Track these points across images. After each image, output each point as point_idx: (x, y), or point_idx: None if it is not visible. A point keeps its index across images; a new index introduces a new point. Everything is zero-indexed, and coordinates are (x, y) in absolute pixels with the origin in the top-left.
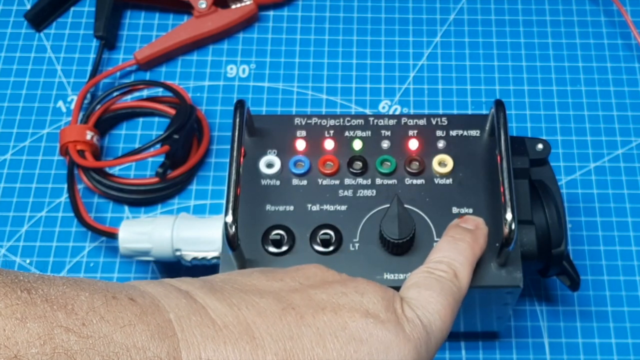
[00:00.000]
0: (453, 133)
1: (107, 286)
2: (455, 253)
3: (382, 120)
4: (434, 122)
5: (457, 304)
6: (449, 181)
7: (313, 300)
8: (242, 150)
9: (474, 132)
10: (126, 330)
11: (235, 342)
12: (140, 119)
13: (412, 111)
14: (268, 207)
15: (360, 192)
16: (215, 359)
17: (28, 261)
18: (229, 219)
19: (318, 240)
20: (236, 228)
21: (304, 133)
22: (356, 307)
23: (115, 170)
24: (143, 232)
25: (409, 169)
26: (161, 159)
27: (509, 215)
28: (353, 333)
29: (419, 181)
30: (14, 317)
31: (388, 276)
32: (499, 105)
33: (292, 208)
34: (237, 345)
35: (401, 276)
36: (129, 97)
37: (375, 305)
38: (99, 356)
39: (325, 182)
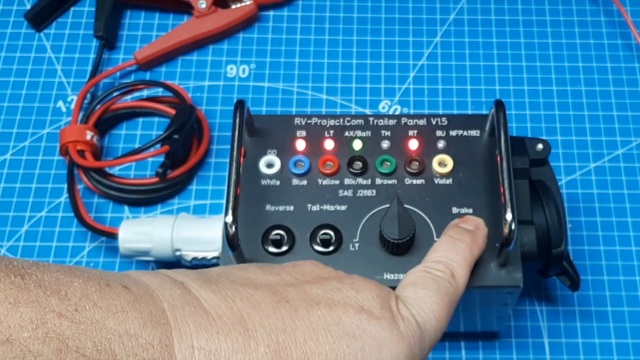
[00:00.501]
0: (453, 133)
1: (101, 274)
2: (453, 253)
3: (382, 120)
4: (434, 122)
5: (453, 305)
6: (449, 181)
7: (308, 295)
8: (242, 150)
9: (474, 132)
10: (119, 317)
11: (228, 333)
12: (140, 119)
13: (412, 111)
14: (268, 207)
15: (360, 192)
16: (208, 349)
17: None
18: (229, 219)
19: (318, 240)
20: (236, 228)
21: (304, 133)
22: (351, 303)
23: (115, 170)
24: (143, 232)
25: (409, 169)
26: (161, 159)
27: (509, 215)
28: (346, 328)
29: (419, 181)
30: (7, 301)
31: (388, 276)
32: (499, 105)
33: (292, 208)
34: (229, 336)
35: (401, 276)
36: (129, 97)
37: (370, 302)
38: (90, 342)
39: (325, 182)
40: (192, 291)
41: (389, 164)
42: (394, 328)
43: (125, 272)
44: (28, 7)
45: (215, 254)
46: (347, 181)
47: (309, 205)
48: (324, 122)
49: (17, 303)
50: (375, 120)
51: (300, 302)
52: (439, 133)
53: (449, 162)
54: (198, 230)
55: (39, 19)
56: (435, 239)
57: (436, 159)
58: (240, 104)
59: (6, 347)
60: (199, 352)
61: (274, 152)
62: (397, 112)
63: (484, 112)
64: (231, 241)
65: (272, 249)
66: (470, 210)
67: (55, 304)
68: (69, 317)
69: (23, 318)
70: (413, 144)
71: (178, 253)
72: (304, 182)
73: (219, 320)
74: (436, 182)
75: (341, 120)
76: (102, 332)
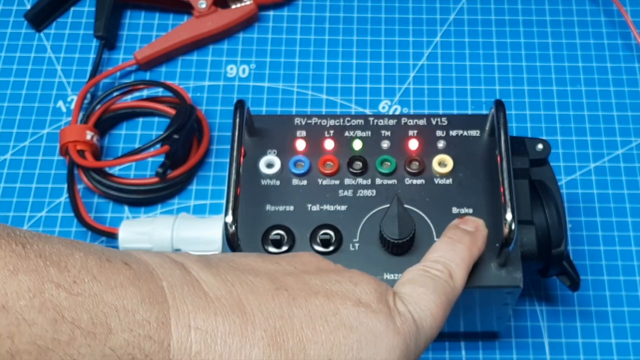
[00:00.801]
0: (453, 133)
1: (102, 249)
2: (452, 254)
3: (382, 120)
4: (434, 122)
5: (450, 304)
6: (449, 181)
7: (307, 284)
8: (242, 150)
9: (474, 132)
10: (117, 291)
11: (225, 315)
12: (140, 119)
13: (412, 111)
14: (268, 207)
15: (360, 192)
16: (204, 329)
17: None
18: (229, 219)
19: (318, 240)
20: (236, 228)
21: (304, 133)
22: (349, 295)
23: (115, 170)
24: (143, 232)
25: (409, 169)
26: (161, 159)
27: (509, 215)
28: (344, 319)
29: (419, 181)
30: (6, 268)
31: (388, 276)
32: (499, 105)
33: (292, 208)
34: (227, 318)
35: (401, 276)
36: (129, 97)
37: (367, 295)
38: (87, 314)
39: (325, 182)
40: (192, 272)
41: (389, 164)
42: (390, 322)
43: (127, 250)
44: (28, 7)
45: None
46: (347, 181)
47: (309, 205)
48: (324, 122)
49: (16, 271)
50: (375, 120)
51: (298, 291)
52: (439, 133)
53: (449, 162)
54: (198, 230)
55: (39, 19)
56: (435, 239)
57: (436, 159)
58: (240, 104)
59: (2, 314)
60: (195, 331)
61: (274, 152)
62: (397, 112)
63: (484, 112)
64: (231, 241)
65: (272, 249)
66: (470, 210)
67: (54, 275)
68: (67, 289)
69: (21, 286)
70: (413, 144)
71: None
72: (304, 182)
73: (217, 302)
74: (436, 182)
75: (341, 120)
76: (99, 306)
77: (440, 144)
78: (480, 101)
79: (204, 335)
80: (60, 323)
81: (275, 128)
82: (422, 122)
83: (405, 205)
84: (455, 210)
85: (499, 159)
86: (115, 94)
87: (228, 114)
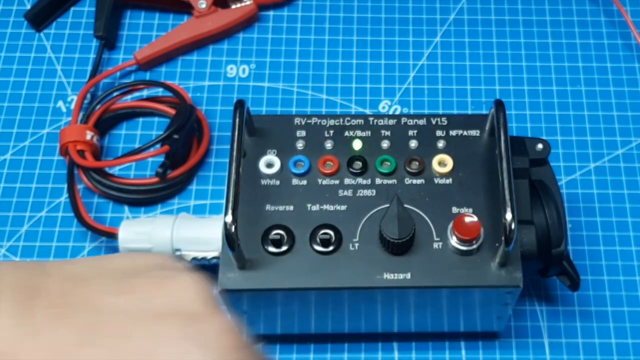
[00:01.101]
0: (453, 133)
1: None
2: None
3: (382, 120)
4: (434, 122)
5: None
6: (449, 181)
7: (121, 337)
8: (242, 150)
9: (474, 132)
10: None
11: None
12: (140, 119)
13: (412, 111)
14: (268, 207)
15: (360, 192)
16: None
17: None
18: (229, 218)
19: (318, 240)
20: (236, 228)
21: (303, 133)
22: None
23: (115, 170)
24: (143, 232)
25: (408, 169)
26: (161, 159)
27: (508, 215)
28: None
29: (419, 181)
30: None
31: (388, 276)
32: (499, 105)
33: (291, 208)
34: None
35: (401, 276)
36: (129, 97)
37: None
38: None
39: (325, 182)
40: (2, 318)
41: (388, 163)
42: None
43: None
44: (28, 7)
45: (215, 253)
46: (347, 181)
47: (309, 205)
48: (323, 122)
49: None
50: (375, 120)
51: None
52: (439, 133)
53: (449, 162)
54: (198, 230)
55: (39, 19)
56: (435, 238)
57: (436, 159)
58: (240, 104)
59: None
60: None
61: (274, 152)
62: (397, 112)
63: (484, 112)
64: (231, 241)
65: (271, 249)
66: (470, 210)
67: None
68: None
69: None
70: (413, 144)
71: (178, 253)
72: (304, 182)
73: None
74: (436, 182)
75: (341, 120)
76: None
77: (440, 144)
78: (480, 101)
79: None
80: None
81: (275, 128)
82: (422, 122)
83: (405, 205)
84: (455, 210)
85: (499, 159)
86: (115, 94)
87: (228, 114)
